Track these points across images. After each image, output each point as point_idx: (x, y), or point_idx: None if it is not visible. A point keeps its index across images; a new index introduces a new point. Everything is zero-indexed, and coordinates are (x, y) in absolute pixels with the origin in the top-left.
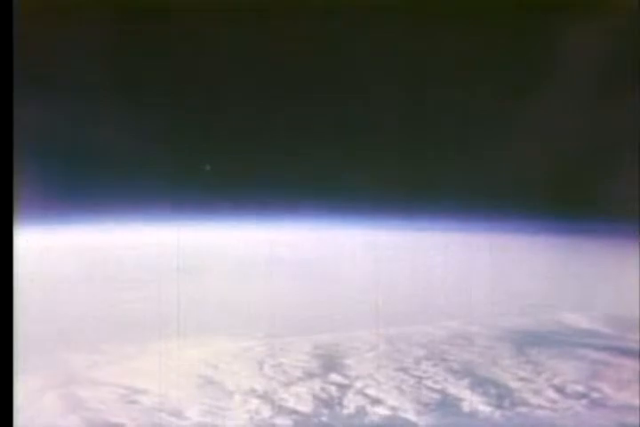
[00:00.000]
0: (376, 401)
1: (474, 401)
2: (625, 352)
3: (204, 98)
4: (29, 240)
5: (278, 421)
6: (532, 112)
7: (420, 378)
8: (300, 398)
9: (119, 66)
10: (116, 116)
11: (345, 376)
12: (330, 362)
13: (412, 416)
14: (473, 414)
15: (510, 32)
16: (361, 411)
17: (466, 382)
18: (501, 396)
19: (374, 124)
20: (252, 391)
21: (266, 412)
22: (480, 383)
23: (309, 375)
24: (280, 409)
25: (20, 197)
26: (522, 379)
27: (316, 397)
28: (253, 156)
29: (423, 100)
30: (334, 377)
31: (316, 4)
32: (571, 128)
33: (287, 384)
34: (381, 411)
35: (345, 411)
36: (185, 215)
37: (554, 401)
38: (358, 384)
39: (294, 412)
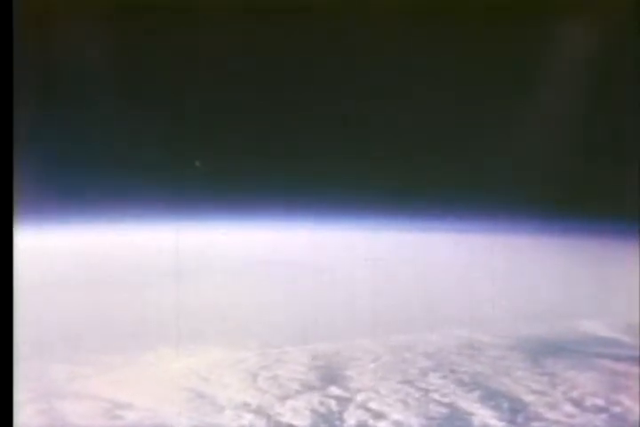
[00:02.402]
0: (379, 415)
1: (484, 416)
2: None
3: (203, 98)
4: (25, 241)
5: None
6: (538, 112)
7: (427, 391)
8: (297, 413)
9: (118, 65)
10: (117, 117)
11: (345, 389)
12: (329, 374)
13: None
14: None
15: (511, 32)
16: (363, 426)
17: (476, 395)
18: (514, 410)
19: (376, 122)
20: (246, 406)
21: None
22: (491, 396)
23: (307, 388)
24: (275, 425)
25: (18, 197)
26: (536, 392)
27: (314, 411)
28: (254, 156)
29: (426, 99)
30: (334, 390)
31: (318, 4)
32: (578, 127)
33: (283, 398)
34: (385, 426)
35: (345, 426)
36: (183, 216)
37: (571, 416)
38: (360, 397)
39: None
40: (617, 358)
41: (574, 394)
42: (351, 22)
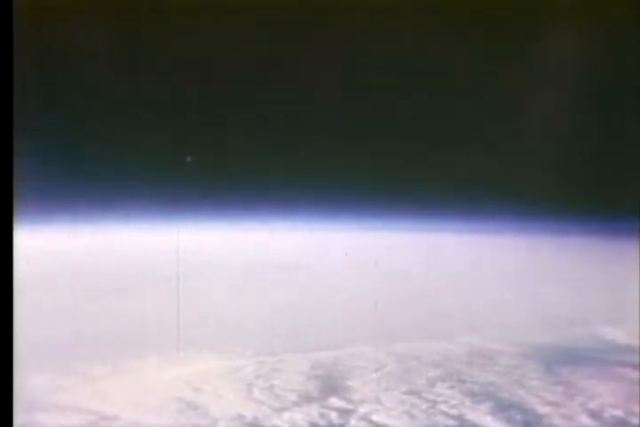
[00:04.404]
0: None
1: None
2: None
3: (203, 98)
4: (24, 241)
5: None
6: (539, 111)
7: (434, 402)
8: (296, 426)
9: (118, 65)
10: (117, 117)
11: (347, 400)
12: (330, 384)
13: None
14: None
15: (513, 33)
16: None
17: (487, 406)
18: (528, 422)
19: (379, 120)
20: (240, 418)
21: None
22: (503, 408)
23: (306, 399)
24: None
25: (18, 197)
26: (551, 403)
27: (313, 424)
28: (255, 154)
29: (431, 97)
30: (335, 401)
31: (317, 4)
32: (580, 127)
33: (280, 410)
34: None
35: None
36: (183, 217)
37: None
38: (362, 409)
39: None
40: (637, 367)
41: (592, 405)
42: (352, 20)
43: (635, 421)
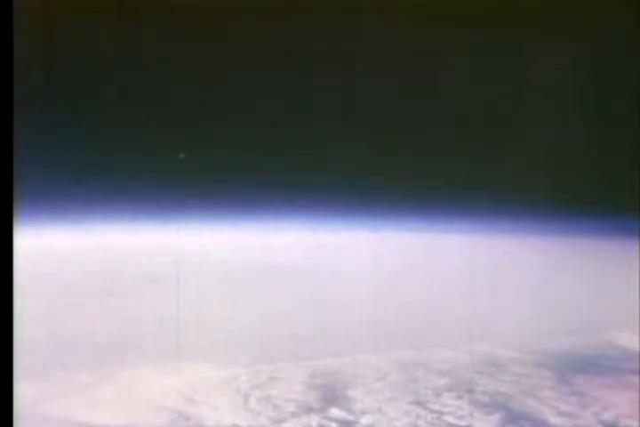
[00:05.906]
0: None
1: None
2: None
3: (203, 97)
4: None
5: None
6: (539, 111)
7: (441, 413)
8: None
9: (118, 65)
10: (118, 116)
11: (348, 411)
12: (330, 393)
13: None
14: None
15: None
16: None
17: (496, 417)
18: None
19: (380, 120)
20: None
21: None
22: (513, 419)
23: (305, 410)
24: None
25: (17, 197)
26: (564, 413)
27: None
28: (255, 154)
29: (433, 97)
30: (336, 412)
31: (315, 5)
32: (580, 127)
33: (278, 421)
34: None
35: None
36: (182, 218)
37: None
38: (365, 420)
39: None
40: None
41: (607, 416)
42: (354, 21)
43: None
